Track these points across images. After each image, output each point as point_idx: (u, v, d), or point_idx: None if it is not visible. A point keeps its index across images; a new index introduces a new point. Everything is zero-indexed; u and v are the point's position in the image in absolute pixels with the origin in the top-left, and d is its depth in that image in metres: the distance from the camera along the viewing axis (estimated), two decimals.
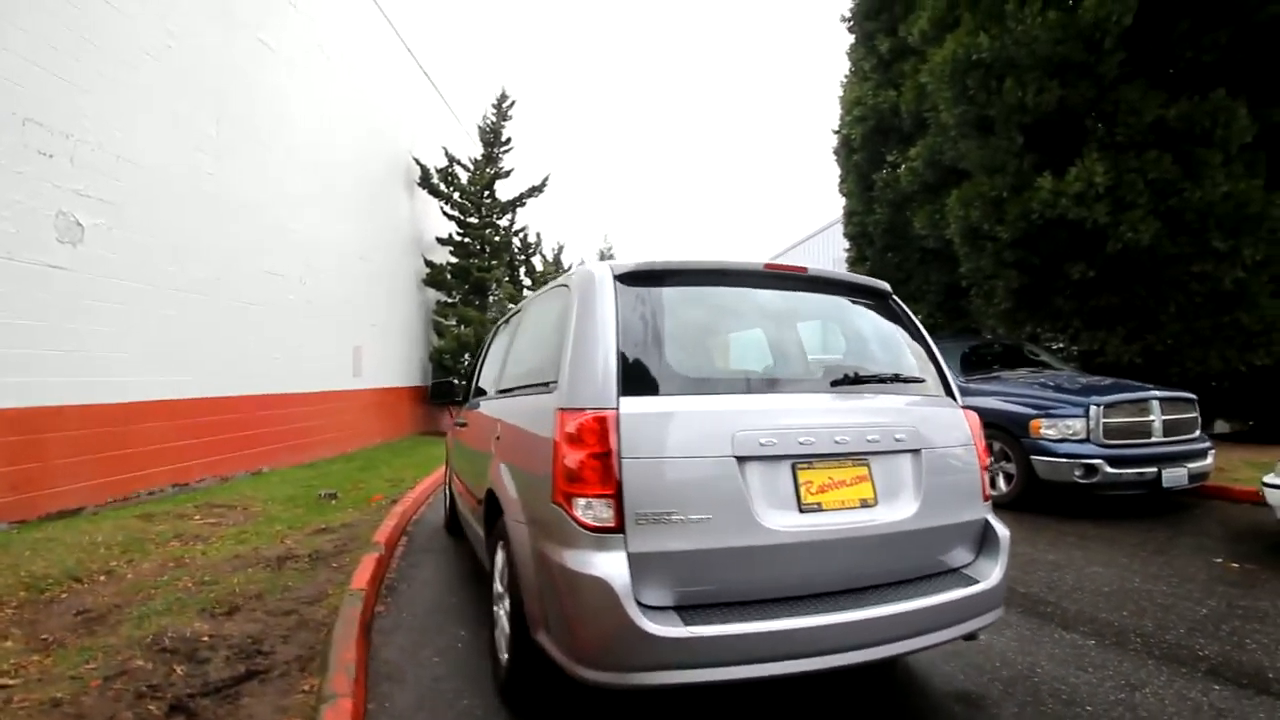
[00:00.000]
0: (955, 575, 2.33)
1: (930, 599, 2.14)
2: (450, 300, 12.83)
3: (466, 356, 12.51)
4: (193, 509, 5.68)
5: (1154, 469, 5.35)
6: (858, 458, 2.21)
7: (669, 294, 2.34)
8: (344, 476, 7.91)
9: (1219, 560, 4.25)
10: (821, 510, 2.11)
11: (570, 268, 24.90)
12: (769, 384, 2.28)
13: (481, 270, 12.31)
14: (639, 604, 1.87)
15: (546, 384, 2.41)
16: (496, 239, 12.69)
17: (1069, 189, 7.20)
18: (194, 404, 6.53)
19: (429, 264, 12.37)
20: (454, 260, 12.47)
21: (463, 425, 3.98)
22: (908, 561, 2.25)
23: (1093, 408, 5.52)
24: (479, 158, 12.91)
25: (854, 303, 2.67)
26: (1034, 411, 5.76)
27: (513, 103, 12.66)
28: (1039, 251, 7.73)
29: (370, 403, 10.33)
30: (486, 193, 12.82)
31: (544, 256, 21.89)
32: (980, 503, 2.45)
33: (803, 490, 2.10)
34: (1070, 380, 6.28)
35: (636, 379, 2.10)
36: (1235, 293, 7.01)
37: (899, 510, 2.22)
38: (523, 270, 15.66)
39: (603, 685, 1.89)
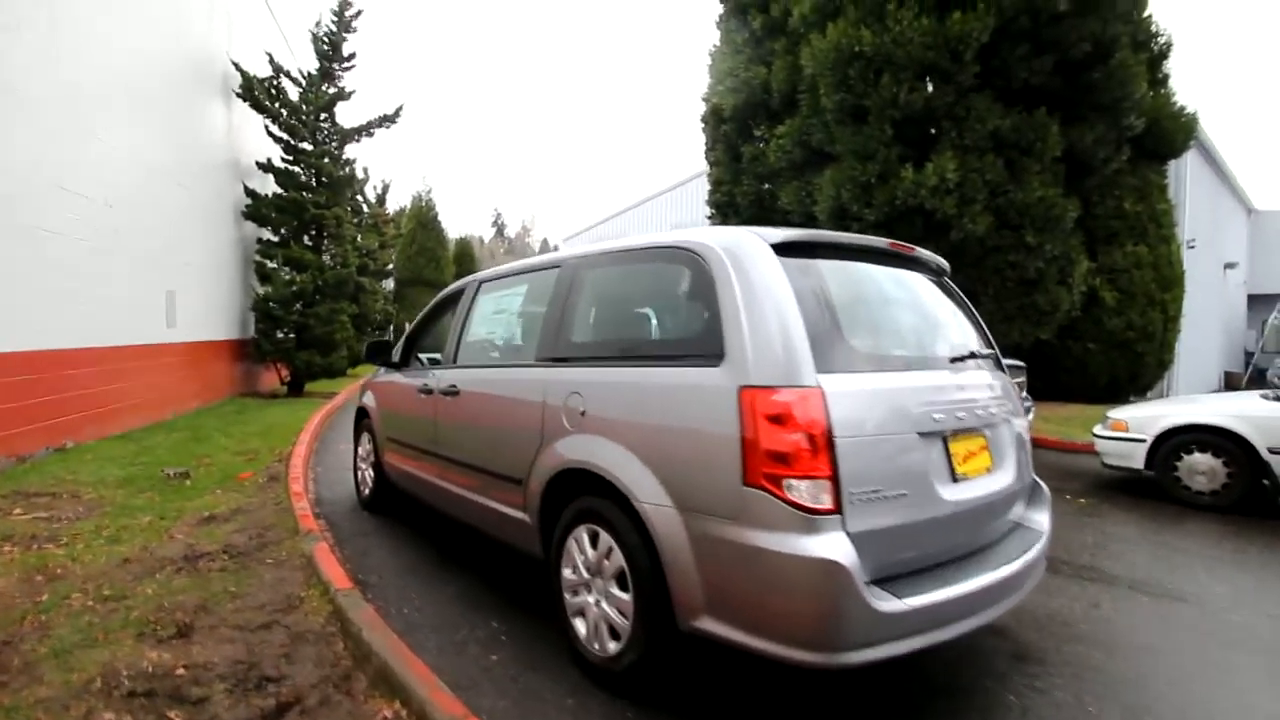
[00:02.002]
0: (1024, 529, 2.64)
1: (1034, 550, 2.41)
2: (275, 239, 10.96)
3: (299, 307, 10.87)
4: (2, 501, 4.29)
5: None
6: (981, 430, 2.38)
7: (824, 267, 2.27)
8: (178, 450, 6.53)
9: (1068, 497, 5.34)
10: (967, 479, 2.25)
11: (400, 211, 22.86)
12: (920, 361, 2.34)
13: (319, 206, 10.66)
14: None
15: (685, 357, 2.22)
16: (337, 172, 11.04)
17: (927, 181, 8.22)
18: None
19: (250, 194, 10.37)
20: (282, 192, 10.62)
21: (451, 393, 3.49)
22: (1006, 519, 2.51)
23: None
24: (313, 73, 11.00)
25: (932, 280, 2.82)
26: None
27: (358, 12, 10.92)
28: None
29: (186, 359, 8.55)
30: (324, 116, 11.02)
31: (364, 196, 19.61)
32: (1031, 462, 2.80)
33: (954, 461, 2.22)
34: None
35: (822, 355, 2.02)
36: (1035, 280, 8.64)
37: (1007, 475, 2.46)
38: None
39: (819, 667, 1.86)
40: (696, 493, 2.07)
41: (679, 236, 2.45)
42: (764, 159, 11.07)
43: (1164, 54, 9.92)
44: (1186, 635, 2.97)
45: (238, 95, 9.89)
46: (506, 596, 3.26)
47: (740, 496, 1.95)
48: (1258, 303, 18.94)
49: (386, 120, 11.17)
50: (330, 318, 11.28)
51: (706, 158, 12.69)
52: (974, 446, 2.33)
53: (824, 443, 1.89)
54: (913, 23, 8.07)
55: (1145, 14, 9.47)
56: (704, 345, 2.17)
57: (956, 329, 2.67)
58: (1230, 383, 16.08)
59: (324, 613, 2.89)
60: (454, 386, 3.49)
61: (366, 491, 4.89)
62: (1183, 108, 10.23)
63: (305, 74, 10.90)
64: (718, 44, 12.41)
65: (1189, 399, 5.69)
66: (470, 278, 3.92)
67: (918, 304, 2.59)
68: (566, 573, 2.62)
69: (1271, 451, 4.55)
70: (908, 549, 2.04)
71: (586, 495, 2.52)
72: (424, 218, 33.99)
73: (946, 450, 2.21)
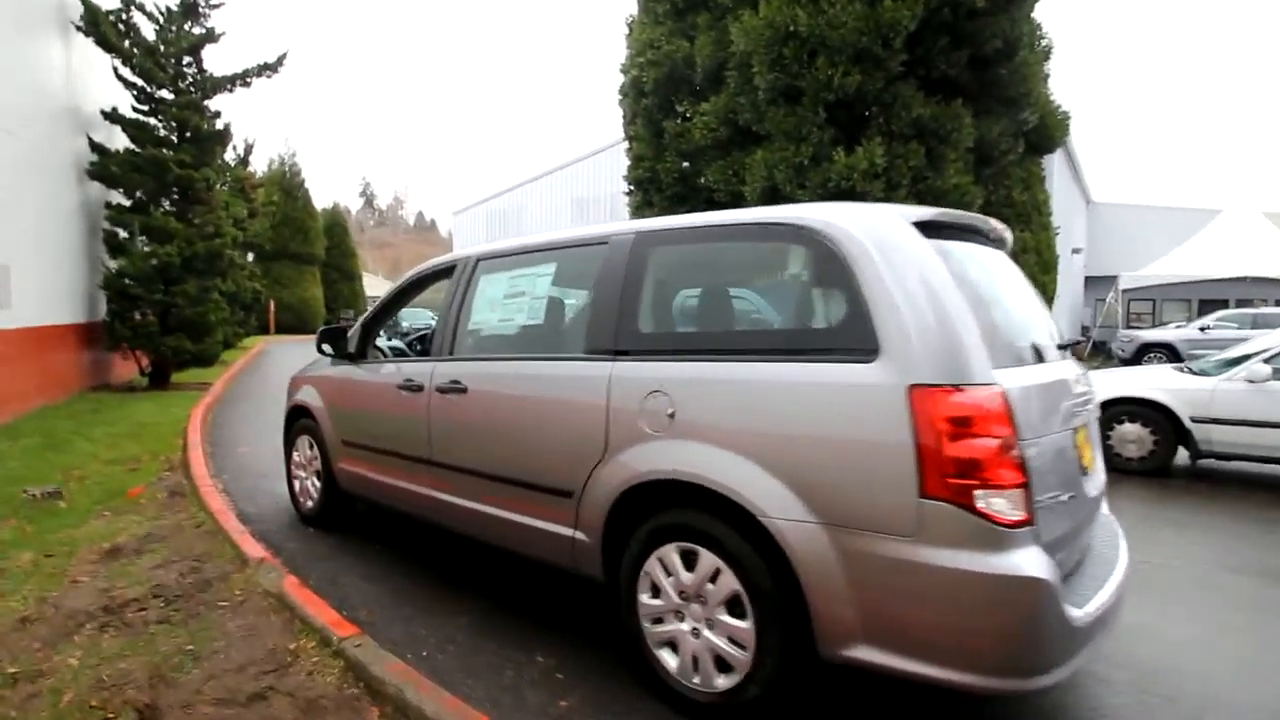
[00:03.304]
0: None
1: (1122, 539, 2.41)
2: (129, 204, 9.27)
3: (163, 285, 9.31)
4: None
5: None
6: (1087, 421, 2.32)
7: (957, 249, 2.07)
8: (34, 461, 5.36)
9: None
10: (1089, 474, 2.18)
11: (258, 176, 20.53)
12: (1046, 351, 2.21)
13: (184, 166, 9.12)
14: None
15: (820, 351, 1.95)
16: (204, 126, 9.48)
17: (859, 165, 8.42)
18: None
19: (97, 149, 8.63)
20: (137, 149, 8.95)
21: (454, 390, 2.96)
22: None
23: None
24: (174, 8, 9.29)
25: (1011, 256, 2.71)
26: None
27: None
28: None
29: (25, 349, 7.01)
30: (188, 60, 9.38)
31: (222, 160, 17.21)
32: None
33: (1081, 456, 2.13)
34: None
35: (989, 349, 1.83)
36: None
37: (1101, 463, 2.42)
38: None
39: (1012, 692, 1.70)
40: (851, 506, 1.82)
41: (787, 212, 2.15)
42: (688, 136, 10.87)
43: (1047, 56, 10.83)
44: (1182, 591, 3.18)
45: (78, 29, 8.12)
46: (535, 621, 2.86)
47: (917, 511, 1.72)
48: (1093, 284, 21.76)
49: (267, 69, 9.70)
50: (201, 297, 9.79)
51: (626, 131, 12.28)
52: (1083, 438, 2.26)
53: (1014, 447, 1.71)
54: (846, 6, 8.15)
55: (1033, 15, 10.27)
56: (845, 337, 1.91)
57: (1047, 314, 2.59)
58: (1075, 354, 18.29)
59: (335, 670, 2.35)
60: (458, 382, 2.97)
61: (310, 504, 4.19)
62: (1059, 106, 11.28)
63: (164, 9, 9.19)
64: (636, 14, 11.98)
65: (1112, 373, 6.23)
66: (460, 254, 3.37)
67: (1021, 289, 2.46)
68: (645, 598, 2.29)
69: (1194, 420, 5.07)
70: (1069, 553, 1.92)
71: (676, 509, 2.20)
72: (288, 184, 30.78)
73: (1076, 445, 2.11)
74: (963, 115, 8.66)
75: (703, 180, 10.69)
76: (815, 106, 8.62)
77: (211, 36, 9.49)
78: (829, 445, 1.87)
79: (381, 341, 4.13)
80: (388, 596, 3.13)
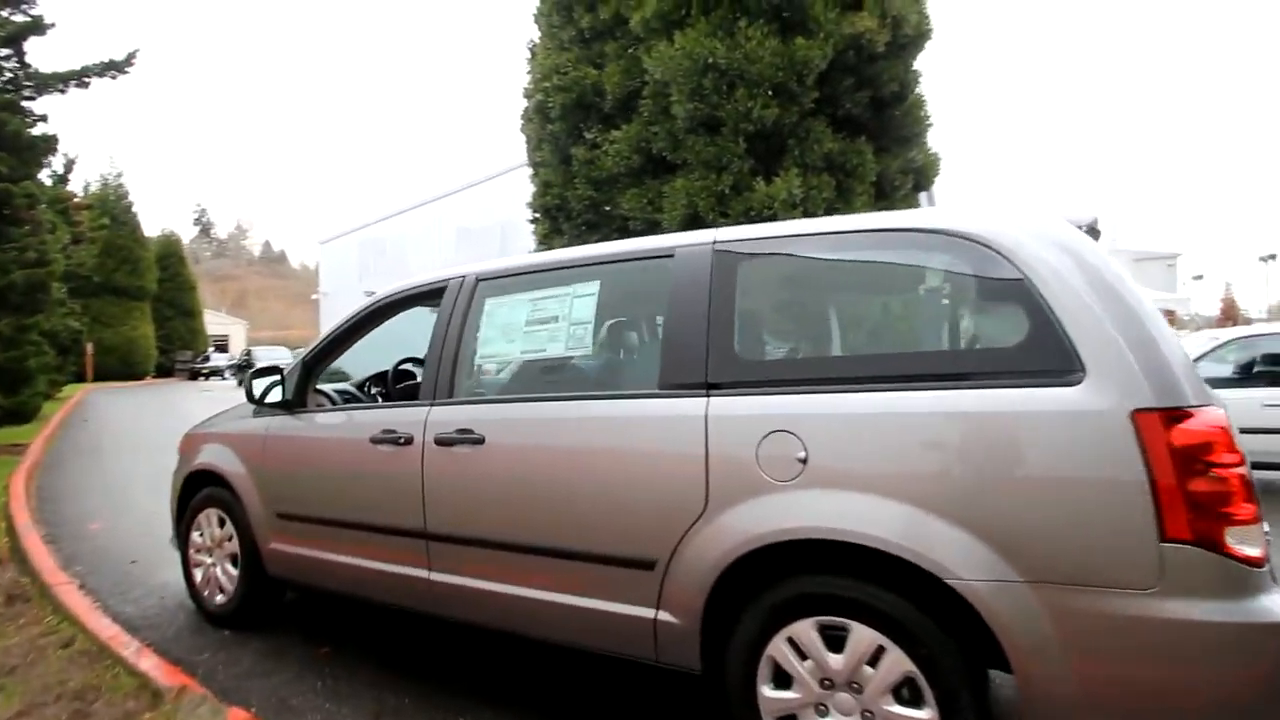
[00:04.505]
0: None
1: None
2: None
3: None
4: None
5: None
6: None
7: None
8: None
9: None
10: None
11: (74, 194, 17.88)
12: None
13: (2, 180, 7.44)
14: None
15: (998, 374, 1.68)
16: (26, 130, 7.84)
17: (777, 195, 8.59)
18: None
19: None
20: None
21: (464, 441, 2.36)
22: None
23: None
24: None
25: None
26: None
27: None
28: None
29: None
30: (7, 52, 7.73)
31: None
32: None
33: None
34: None
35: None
36: None
37: None
38: None
39: None
40: (1068, 558, 1.56)
41: (931, 218, 1.93)
42: (598, 163, 10.62)
43: (924, 102, 11.85)
44: None
45: None
46: None
47: (1157, 558, 1.48)
48: None
49: (113, 68, 8.17)
50: (17, 338, 7.93)
51: (531, 158, 11.83)
52: None
53: (1248, 475, 1.52)
54: (762, 42, 8.38)
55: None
56: (1031, 358, 1.66)
57: None
58: None
59: None
60: (470, 431, 2.38)
61: (221, 599, 3.30)
62: (930, 148, 12.37)
63: None
64: (539, 40, 11.66)
65: None
66: (451, 273, 2.78)
67: None
68: (767, 690, 1.87)
69: None
70: None
71: (809, 574, 1.81)
72: (113, 208, 26.93)
73: None
74: (865, 151, 9.16)
75: (612, 208, 10.47)
76: (736, 136, 8.73)
77: (38, 27, 7.86)
78: (1031, 486, 1.59)
79: (325, 385, 3.36)
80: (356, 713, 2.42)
